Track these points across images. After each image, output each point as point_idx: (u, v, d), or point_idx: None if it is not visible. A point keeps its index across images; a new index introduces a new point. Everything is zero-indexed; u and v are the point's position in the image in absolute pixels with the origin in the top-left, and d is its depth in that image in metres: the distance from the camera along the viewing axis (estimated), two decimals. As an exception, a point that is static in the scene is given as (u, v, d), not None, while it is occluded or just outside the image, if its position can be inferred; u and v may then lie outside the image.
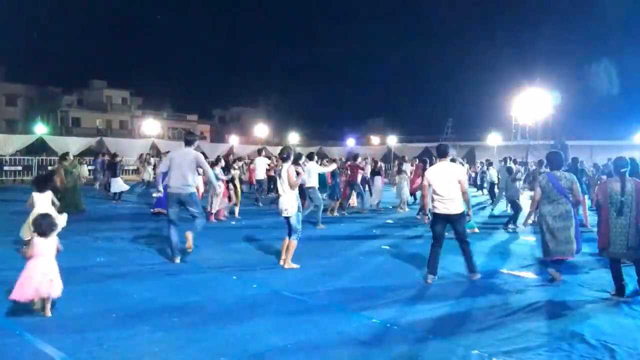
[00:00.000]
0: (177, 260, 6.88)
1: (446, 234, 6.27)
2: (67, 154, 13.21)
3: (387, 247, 8.42)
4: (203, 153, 12.13)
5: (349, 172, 13.54)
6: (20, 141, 27.73)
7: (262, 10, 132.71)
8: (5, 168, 24.78)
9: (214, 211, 11.13)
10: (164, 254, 7.47)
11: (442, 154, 6.39)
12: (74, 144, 28.45)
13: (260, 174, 14.93)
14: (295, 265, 6.69)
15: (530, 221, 6.94)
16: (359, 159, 13.87)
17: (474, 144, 38.34)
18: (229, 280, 6.07)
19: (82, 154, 27.66)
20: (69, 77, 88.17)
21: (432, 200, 6.24)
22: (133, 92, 57.15)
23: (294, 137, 45.45)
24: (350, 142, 42.61)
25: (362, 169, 14.15)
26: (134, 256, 7.38)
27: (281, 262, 6.76)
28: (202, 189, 11.75)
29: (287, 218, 6.67)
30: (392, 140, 41.08)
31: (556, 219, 5.96)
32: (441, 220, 6.16)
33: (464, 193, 6.05)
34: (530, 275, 6.60)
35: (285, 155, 6.88)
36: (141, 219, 11.56)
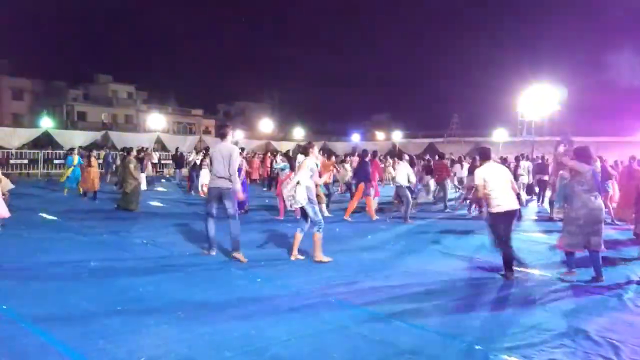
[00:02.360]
0: (213, 253, 7.05)
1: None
2: (131, 148, 13.20)
3: (392, 244, 8.42)
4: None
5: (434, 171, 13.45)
6: (26, 135, 27.88)
7: (267, 6, 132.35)
8: (12, 161, 24.92)
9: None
10: (169, 249, 7.51)
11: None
12: (79, 138, 28.59)
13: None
14: (326, 259, 6.73)
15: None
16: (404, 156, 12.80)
17: (479, 139, 38.14)
18: (234, 275, 6.09)
19: (87, 148, 27.83)
20: (75, 71, 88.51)
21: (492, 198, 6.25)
22: (138, 86, 57.37)
23: (298, 132, 45.44)
24: (355, 137, 42.56)
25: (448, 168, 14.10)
26: (139, 250, 7.42)
27: (292, 257, 6.86)
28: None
29: (303, 209, 6.71)
30: (397, 136, 40.99)
31: (598, 212, 6.02)
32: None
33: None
34: (535, 271, 6.59)
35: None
36: (146, 214, 11.61)
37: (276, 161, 18.90)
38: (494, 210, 6.23)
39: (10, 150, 25.17)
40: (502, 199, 6.16)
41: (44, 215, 10.82)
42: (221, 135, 7.40)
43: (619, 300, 5.37)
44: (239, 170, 10.30)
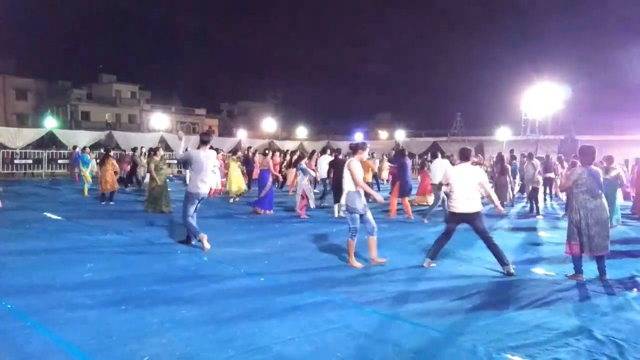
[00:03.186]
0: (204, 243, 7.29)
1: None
2: (157, 149, 12.63)
3: (394, 243, 8.41)
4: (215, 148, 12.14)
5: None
6: (30, 135, 27.99)
7: (270, 6, 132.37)
8: (16, 161, 25.03)
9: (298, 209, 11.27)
10: (172, 248, 7.53)
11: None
12: (83, 138, 28.66)
13: (324, 172, 13.47)
14: (382, 260, 6.63)
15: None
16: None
17: (483, 138, 38.07)
18: (237, 273, 6.10)
19: (91, 148, 27.89)
20: (79, 71, 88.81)
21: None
22: (142, 86, 57.52)
23: (301, 132, 45.46)
24: (358, 136, 42.53)
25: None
26: (143, 250, 7.43)
27: (348, 264, 6.53)
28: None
29: (362, 215, 6.49)
30: (400, 135, 40.93)
31: (600, 211, 5.92)
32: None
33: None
34: (538, 270, 6.57)
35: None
36: (150, 214, 11.63)
37: (285, 159, 18.99)
38: (449, 209, 6.56)
39: (14, 151, 25.27)
40: (459, 201, 6.27)
41: (49, 214, 10.87)
42: (206, 141, 7.56)
43: (623, 299, 5.35)
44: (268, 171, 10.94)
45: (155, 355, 3.66)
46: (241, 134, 38.69)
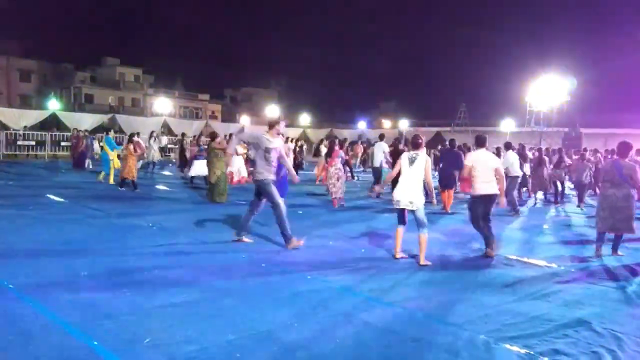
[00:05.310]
0: (245, 239, 6.95)
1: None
2: (216, 134, 11.88)
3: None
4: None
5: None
6: (33, 116, 28.01)
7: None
8: (19, 143, 25.07)
9: (336, 196, 11.10)
10: (175, 233, 7.55)
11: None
12: (86, 121, 28.68)
13: (377, 161, 13.19)
14: (428, 262, 6.15)
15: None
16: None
17: (487, 129, 37.87)
18: (238, 259, 6.12)
19: (94, 131, 27.93)
20: (83, 54, 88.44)
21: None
22: (145, 70, 57.33)
23: (304, 119, 45.32)
24: (362, 125, 42.42)
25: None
26: (146, 234, 7.46)
27: (397, 256, 6.37)
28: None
29: (413, 211, 6.18)
30: (404, 124, 40.81)
31: (620, 200, 6.71)
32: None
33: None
34: (538, 261, 6.58)
35: (419, 141, 6.43)
36: (153, 198, 11.67)
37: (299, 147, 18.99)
38: (474, 192, 6.81)
39: (17, 132, 25.29)
40: (481, 184, 6.66)
41: (52, 197, 10.89)
42: (271, 125, 6.86)
43: (622, 292, 5.37)
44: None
45: (157, 338, 3.69)
46: (244, 120, 38.62)
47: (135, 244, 6.72)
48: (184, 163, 17.78)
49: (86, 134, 21.75)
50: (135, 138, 14.09)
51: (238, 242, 6.88)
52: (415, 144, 6.42)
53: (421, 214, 6.18)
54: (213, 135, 11.73)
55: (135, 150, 12.70)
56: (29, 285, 4.76)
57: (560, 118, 32.16)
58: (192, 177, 14.25)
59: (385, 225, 8.70)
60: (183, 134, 19.79)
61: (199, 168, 13.51)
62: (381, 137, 13.78)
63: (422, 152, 6.32)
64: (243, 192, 11.87)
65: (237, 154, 14.42)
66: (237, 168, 14.53)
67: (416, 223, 6.20)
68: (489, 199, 6.67)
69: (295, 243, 6.67)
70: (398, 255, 6.38)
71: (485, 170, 6.65)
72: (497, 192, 6.66)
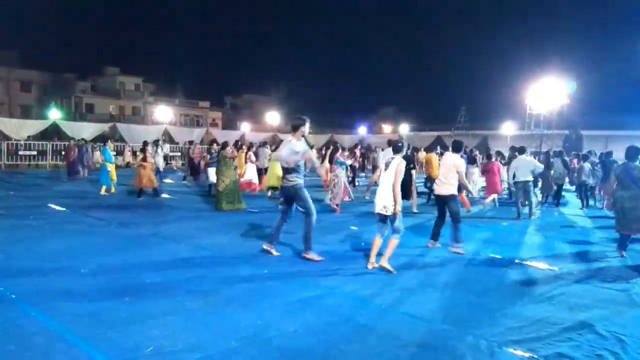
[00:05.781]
0: (305, 256, 6.49)
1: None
2: (227, 143, 11.84)
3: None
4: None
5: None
6: (34, 126, 28.10)
7: (275, 1, 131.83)
8: (20, 152, 25.13)
9: (337, 202, 11.09)
10: (176, 240, 7.55)
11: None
12: (87, 130, 28.77)
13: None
14: (389, 268, 5.90)
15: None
16: None
17: (487, 132, 37.98)
18: (241, 266, 6.11)
19: (94, 140, 28.00)
20: (83, 63, 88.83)
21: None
22: (146, 78, 57.45)
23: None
24: (362, 130, 42.46)
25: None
26: (147, 242, 7.45)
27: (369, 266, 6.04)
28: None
29: (386, 216, 5.98)
30: (404, 129, 40.84)
31: (628, 201, 7.02)
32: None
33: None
34: (542, 265, 6.57)
35: (399, 145, 6.32)
36: (154, 206, 11.67)
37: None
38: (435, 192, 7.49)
39: (19, 142, 25.35)
40: (440, 184, 7.28)
41: (53, 206, 10.90)
42: (295, 127, 6.64)
43: (626, 295, 5.34)
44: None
45: (159, 346, 3.68)
46: (245, 127, 38.70)
47: (137, 252, 6.71)
48: (193, 171, 17.88)
49: (83, 142, 21.64)
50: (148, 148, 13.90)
51: (240, 249, 6.86)
52: (394, 148, 6.35)
53: (396, 219, 5.92)
54: (224, 144, 11.74)
55: (145, 160, 12.45)
56: (31, 294, 4.75)
57: (561, 120, 32.20)
58: (211, 185, 13.82)
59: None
60: (191, 142, 19.81)
61: (214, 175, 13.27)
62: (389, 144, 13.62)
63: (398, 157, 6.13)
64: (251, 200, 11.86)
65: (253, 162, 14.43)
66: (251, 177, 14.46)
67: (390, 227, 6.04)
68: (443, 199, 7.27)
69: (313, 256, 6.42)
70: (370, 266, 6.03)
71: (444, 171, 7.26)
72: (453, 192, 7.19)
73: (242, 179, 13.77)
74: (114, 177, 13.92)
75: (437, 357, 3.66)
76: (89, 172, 19.76)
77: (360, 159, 18.72)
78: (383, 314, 4.56)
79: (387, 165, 6.12)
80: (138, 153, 13.71)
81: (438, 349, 3.80)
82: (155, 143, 17.99)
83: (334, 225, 9.30)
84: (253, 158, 14.55)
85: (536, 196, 11.35)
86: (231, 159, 11.03)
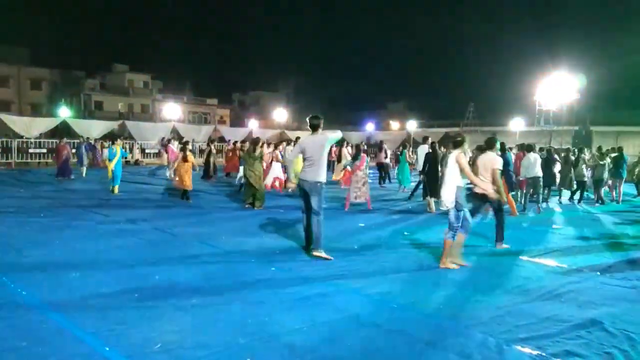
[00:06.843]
0: (314, 254, 6.44)
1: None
2: (258, 140, 11.56)
3: (406, 233, 8.40)
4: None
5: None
6: (44, 124, 28.25)
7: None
8: (30, 150, 25.33)
9: (359, 200, 11.07)
10: (185, 238, 7.59)
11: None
12: (96, 127, 28.93)
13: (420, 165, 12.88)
14: (452, 265, 6.04)
15: None
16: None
17: (496, 129, 37.72)
18: (248, 264, 6.13)
19: (104, 137, 28.17)
20: (92, 61, 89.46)
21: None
22: (154, 76, 57.69)
23: (313, 122, 45.22)
24: (370, 126, 42.34)
25: None
26: (156, 239, 7.50)
27: (441, 265, 6.09)
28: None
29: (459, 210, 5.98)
30: (412, 125, 40.69)
31: None
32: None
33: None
34: (550, 262, 6.53)
35: (459, 140, 6.26)
36: (163, 204, 11.71)
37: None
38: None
39: (29, 140, 25.56)
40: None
41: (63, 204, 10.99)
42: (314, 126, 6.73)
43: (635, 292, 5.30)
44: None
45: (168, 342, 3.71)
46: (252, 124, 38.73)
47: (146, 249, 6.76)
48: (209, 170, 17.86)
49: (82, 140, 21.35)
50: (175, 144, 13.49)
51: (247, 246, 6.89)
52: (454, 143, 6.30)
53: (452, 216, 6.02)
54: (255, 141, 11.53)
55: (185, 160, 11.70)
56: (41, 291, 4.81)
57: (570, 116, 31.91)
58: (242, 184, 13.32)
59: (398, 228, 8.68)
60: (212, 140, 19.67)
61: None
62: (424, 140, 12.91)
63: (456, 151, 6.12)
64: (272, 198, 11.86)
65: (278, 161, 14.40)
66: (276, 175, 14.42)
67: None
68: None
69: (322, 254, 6.39)
70: (452, 266, 6.08)
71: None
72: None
73: (267, 178, 13.62)
74: (110, 175, 13.62)
75: (445, 354, 3.65)
76: (87, 170, 19.34)
77: (387, 160, 18.33)
78: (390, 311, 4.56)
79: (444, 162, 6.11)
80: (178, 152, 12.93)
81: (446, 346, 3.79)
82: (184, 142, 17.52)
83: (342, 223, 9.29)
84: (279, 157, 14.36)
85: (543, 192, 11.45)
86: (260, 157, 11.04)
